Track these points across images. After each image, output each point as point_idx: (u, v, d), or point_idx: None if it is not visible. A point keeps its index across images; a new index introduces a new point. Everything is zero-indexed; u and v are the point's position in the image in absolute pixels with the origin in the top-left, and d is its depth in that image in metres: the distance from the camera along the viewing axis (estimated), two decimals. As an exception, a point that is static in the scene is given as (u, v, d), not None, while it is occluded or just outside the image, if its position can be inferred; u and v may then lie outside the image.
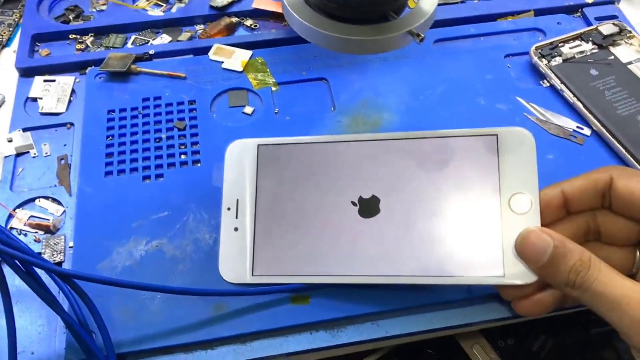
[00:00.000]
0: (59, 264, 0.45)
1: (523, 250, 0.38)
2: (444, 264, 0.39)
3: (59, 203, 0.48)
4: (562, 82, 0.53)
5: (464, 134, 0.42)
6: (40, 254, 0.45)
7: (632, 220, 0.38)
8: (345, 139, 0.44)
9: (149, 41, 0.60)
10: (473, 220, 0.40)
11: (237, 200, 0.43)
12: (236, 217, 0.43)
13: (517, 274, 0.38)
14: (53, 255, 0.45)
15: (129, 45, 0.59)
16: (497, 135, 0.41)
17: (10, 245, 0.36)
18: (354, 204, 0.42)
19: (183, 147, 0.50)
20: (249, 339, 0.41)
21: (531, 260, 0.37)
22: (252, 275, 0.41)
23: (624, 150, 0.48)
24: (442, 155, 0.42)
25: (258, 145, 0.44)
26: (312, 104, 0.54)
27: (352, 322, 0.41)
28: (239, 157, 0.44)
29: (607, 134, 0.49)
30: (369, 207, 0.41)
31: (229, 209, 0.43)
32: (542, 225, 0.39)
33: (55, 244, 0.45)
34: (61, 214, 0.47)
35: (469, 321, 0.42)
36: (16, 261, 0.37)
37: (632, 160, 0.48)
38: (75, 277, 0.38)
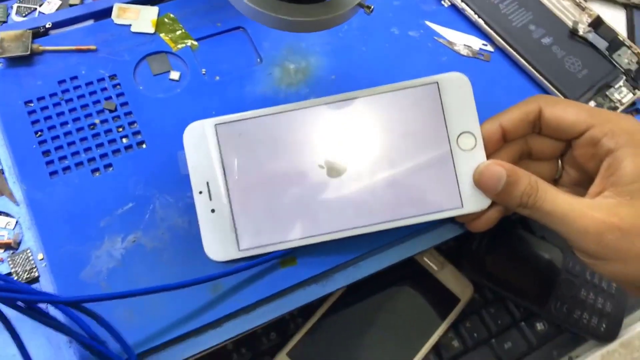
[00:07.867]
0: (35, 279, 0.44)
1: (480, 182, 0.44)
2: (410, 207, 0.44)
3: (7, 215, 0.46)
4: (462, 1, 0.57)
5: (407, 86, 0.45)
6: (9, 274, 0.43)
7: (557, 140, 0.45)
8: (299, 106, 0.45)
9: (35, 8, 0.54)
10: (429, 163, 0.45)
11: (207, 183, 0.44)
12: (210, 199, 0.44)
13: (474, 203, 0.44)
14: (25, 272, 0.43)
15: (13, 16, 0.54)
16: (437, 82, 0.45)
17: (9, 290, 0.36)
18: (321, 167, 0.45)
19: (121, 129, 0.49)
20: (251, 308, 0.44)
21: (488, 190, 0.44)
22: (239, 250, 0.44)
23: (523, 61, 0.54)
24: (392, 109, 0.45)
25: (215, 125, 0.45)
26: (237, 57, 0.53)
27: (337, 270, 0.46)
28: (199, 140, 0.45)
29: (508, 48, 0.55)
30: (335, 168, 0.45)
31: (200, 192, 0.44)
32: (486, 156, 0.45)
33: (24, 260, 0.44)
34: (14, 227, 0.45)
35: (433, 244, 0.48)
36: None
37: (533, 70, 0.54)
38: (86, 300, 0.38)
